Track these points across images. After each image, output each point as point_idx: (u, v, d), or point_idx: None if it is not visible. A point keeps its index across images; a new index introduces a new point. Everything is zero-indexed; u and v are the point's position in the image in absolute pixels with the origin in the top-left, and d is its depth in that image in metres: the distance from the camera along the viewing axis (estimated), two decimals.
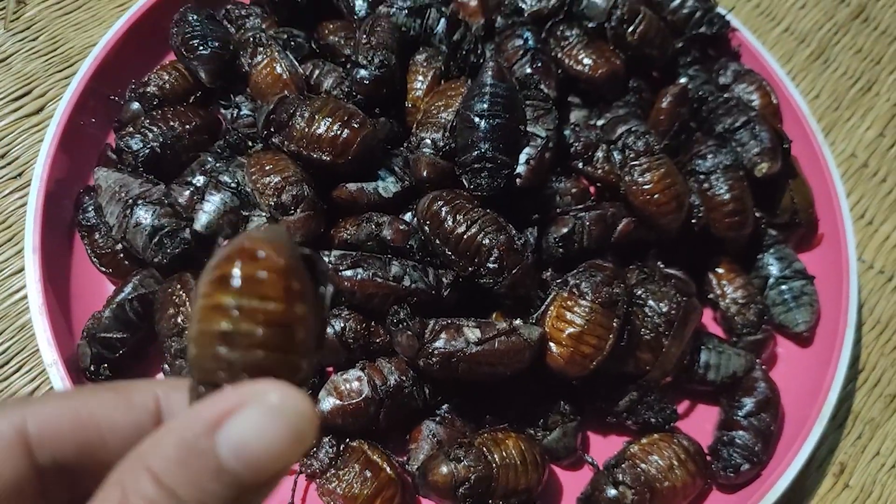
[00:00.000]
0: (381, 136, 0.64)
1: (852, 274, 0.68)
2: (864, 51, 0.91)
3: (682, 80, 0.77)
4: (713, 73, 0.79)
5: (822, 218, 0.73)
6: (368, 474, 0.56)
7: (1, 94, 0.74)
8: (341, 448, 0.58)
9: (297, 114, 0.61)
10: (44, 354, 0.57)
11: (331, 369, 0.61)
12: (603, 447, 0.64)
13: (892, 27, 0.94)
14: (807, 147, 0.75)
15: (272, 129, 0.62)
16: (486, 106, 0.60)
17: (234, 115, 0.70)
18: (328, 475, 0.57)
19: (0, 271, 0.66)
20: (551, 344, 0.59)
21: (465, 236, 0.57)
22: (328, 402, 0.58)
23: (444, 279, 0.59)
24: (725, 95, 0.75)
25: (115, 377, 0.58)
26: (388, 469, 0.57)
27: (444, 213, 0.58)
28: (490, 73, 0.61)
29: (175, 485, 0.22)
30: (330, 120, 0.60)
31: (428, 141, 0.62)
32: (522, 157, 0.61)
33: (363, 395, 0.58)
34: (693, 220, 0.66)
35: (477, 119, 0.60)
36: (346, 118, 0.60)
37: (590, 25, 0.73)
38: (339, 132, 0.60)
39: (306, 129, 0.60)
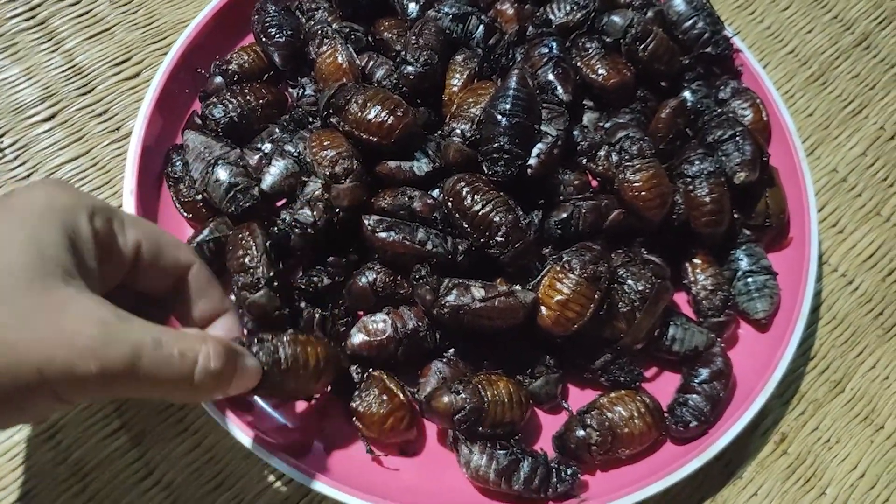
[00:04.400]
0: (420, 124, 0.77)
1: (811, 275, 0.79)
2: (860, 76, 1.01)
3: (686, 94, 0.88)
4: (714, 89, 0.90)
5: (794, 224, 0.83)
6: (385, 398, 0.69)
7: (106, 60, 0.88)
8: (365, 375, 0.71)
9: (353, 100, 0.74)
10: None
11: (361, 312, 0.75)
12: (579, 397, 0.76)
13: (891, 55, 1.03)
14: (788, 160, 0.85)
15: (331, 111, 0.75)
16: (508, 106, 0.72)
17: (300, 94, 0.83)
18: (353, 396, 0.70)
19: None
20: (542, 307, 0.71)
21: (479, 213, 0.70)
22: (358, 337, 0.71)
23: (459, 247, 0.72)
24: (720, 110, 0.85)
25: None
26: (401, 395, 0.70)
27: (464, 193, 0.71)
28: (515, 79, 0.73)
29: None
30: (379, 108, 0.73)
31: (458, 131, 0.74)
32: (534, 151, 0.73)
33: (386, 334, 0.71)
34: (674, 216, 0.77)
35: (499, 116, 0.72)
36: (392, 107, 0.73)
37: (607, 40, 0.84)
38: (385, 118, 0.72)
39: (359, 114, 0.73)
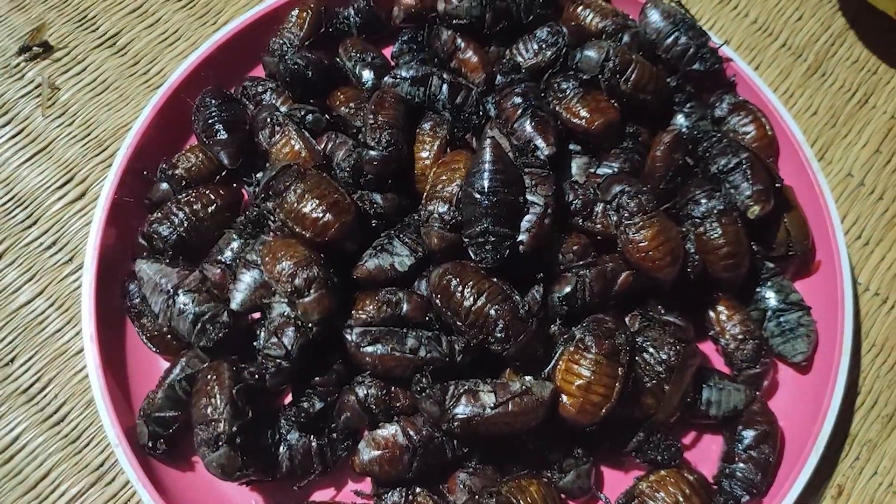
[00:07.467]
0: (390, 213, 0.70)
1: (847, 303, 0.71)
2: (860, 61, 0.93)
3: (679, 118, 0.80)
4: (709, 107, 0.82)
5: (819, 245, 0.76)
6: None
7: (48, 183, 0.81)
8: (409, 498, 0.64)
9: (292, 188, 0.66)
10: (108, 435, 0.64)
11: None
12: (618, 481, 0.69)
13: (889, 34, 0.95)
14: (802, 176, 0.77)
15: (270, 193, 0.68)
16: (486, 183, 0.64)
17: (256, 191, 0.75)
18: None
19: (63, 353, 0.74)
20: (563, 396, 0.64)
21: (472, 308, 0.62)
22: (367, 454, 0.64)
23: (456, 346, 0.65)
24: (720, 133, 0.78)
25: (170, 450, 0.66)
26: None
27: (453, 287, 0.63)
28: (488, 150, 0.66)
29: None
30: (316, 202, 0.65)
31: (436, 215, 0.67)
32: (524, 226, 0.66)
33: (398, 443, 0.64)
34: (689, 269, 0.70)
35: (478, 196, 0.64)
36: (331, 203, 0.65)
37: (584, 77, 0.76)
38: (321, 216, 0.65)
39: (295, 205, 0.66)
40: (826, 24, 0.95)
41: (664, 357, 0.66)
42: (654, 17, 0.82)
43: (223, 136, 0.75)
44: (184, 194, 0.74)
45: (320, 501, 0.65)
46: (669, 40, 0.81)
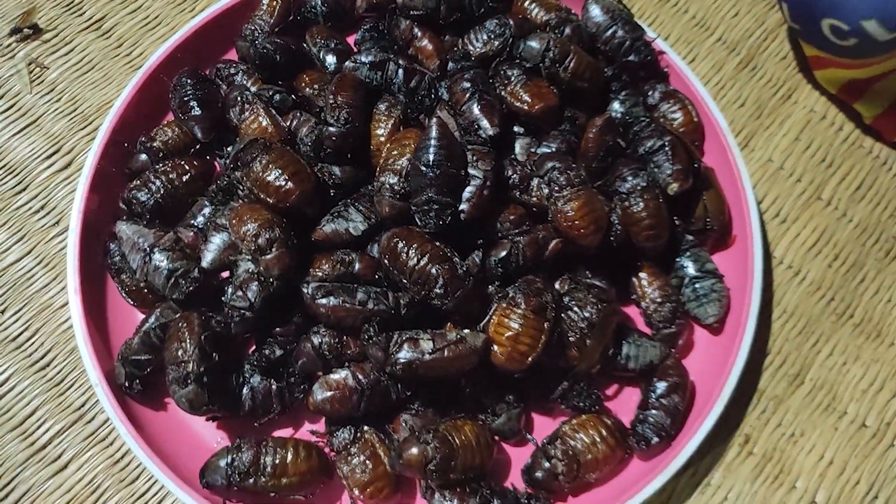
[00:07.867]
0: (347, 184, 0.77)
1: (757, 272, 0.79)
2: (788, 57, 1.01)
3: (614, 105, 0.88)
4: (643, 95, 0.90)
5: (736, 222, 0.84)
6: (369, 465, 0.70)
7: (37, 153, 0.88)
8: (357, 435, 0.72)
9: (258, 159, 0.74)
10: (90, 375, 0.72)
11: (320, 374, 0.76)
12: (546, 425, 0.77)
13: None
14: (723, 159, 0.86)
15: (238, 164, 0.75)
16: (430, 157, 0.72)
17: (227, 163, 0.83)
18: (342, 454, 0.72)
19: (49, 306, 0.82)
20: (494, 345, 0.72)
21: (416, 267, 0.70)
22: (320, 394, 0.72)
23: (401, 300, 0.73)
24: (649, 118, 0.86)
25: (145, 390, 0.74)
26: (386, 463, 0.71)
27: (399, 248, 0.71)
28: (434, 128, 0.74)
29: None
30: (279, 171, 0.73)
31: (387, 186, 0.75)
32: (465, 196, 0.74)
33: (348, 385, 0.72)
34: (612, 237, 0.78)
35: (424, 168, 0.72)
36: (292, 173, 0.73)
37: (527, 66, 0.84)
38: (283, 184, 0.73)
39: (260, 174, 0.73)
40: (760, 20, 1.04)
41: (587, 315, 0.74)
42: (595, 11, 0.90)
43: (197, 112, 0.82)
44: (161, 165, 0.81)
45: (279, 437, 0.73)
46: (608, 33, 0.89)
